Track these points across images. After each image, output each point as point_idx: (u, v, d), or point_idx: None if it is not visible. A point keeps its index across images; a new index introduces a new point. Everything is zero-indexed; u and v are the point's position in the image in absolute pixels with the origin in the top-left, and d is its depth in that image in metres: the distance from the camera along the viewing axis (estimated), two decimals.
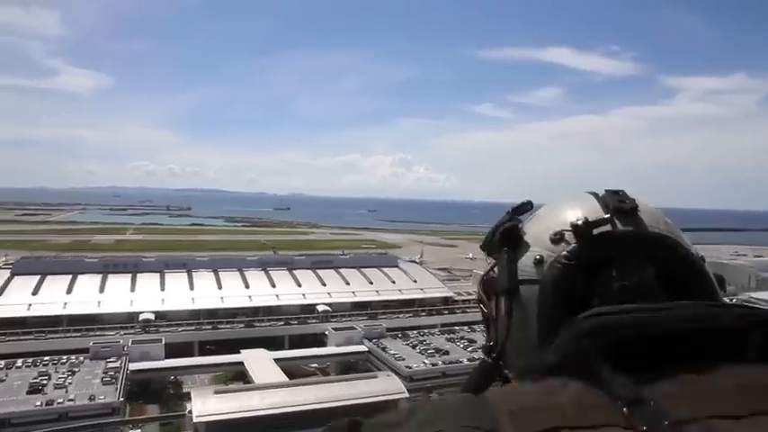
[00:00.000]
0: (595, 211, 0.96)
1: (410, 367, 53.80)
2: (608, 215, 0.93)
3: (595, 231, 0.93)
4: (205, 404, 37.37)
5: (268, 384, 42.88)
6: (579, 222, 0.93)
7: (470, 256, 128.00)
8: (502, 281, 1.00)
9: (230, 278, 74.52)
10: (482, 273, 1.11)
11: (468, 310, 76.04)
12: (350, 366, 60.15)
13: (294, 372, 57.66)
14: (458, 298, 78.79)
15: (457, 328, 68.21)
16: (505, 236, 1.03)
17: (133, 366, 52.37)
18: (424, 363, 55.16)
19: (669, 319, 0.73)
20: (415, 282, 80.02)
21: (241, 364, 54.88)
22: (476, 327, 68.40)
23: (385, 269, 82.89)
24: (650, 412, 0.61)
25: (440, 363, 55.46)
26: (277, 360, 56.05)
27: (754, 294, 75.71)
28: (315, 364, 61.37)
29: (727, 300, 0.92)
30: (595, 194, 1.00)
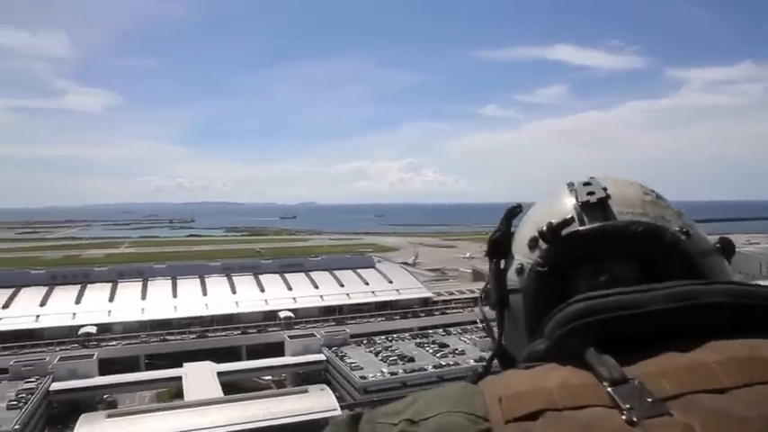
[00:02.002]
0: (565, 210, 0.94)
1: (365, 378, 47.44)
2: (571, 215, 0.92)
3: (563, 233, 0.91)
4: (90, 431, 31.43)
5: (174, 405, 37.25)
6: (544, 228, 0.92)
7: (468, 255, 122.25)
8: (492, 293, 1.02)
9: (188, 286, 68.84)
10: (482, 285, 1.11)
11: (447, 311, 69.53)
12: (307, 377, 53.98)
13: (245, 386, 51.85)
14: (437, 299, 72.24)
15: (431, 331, 61.70)
16: (494, 246, 1.04)
17: (57, 386, 46.91)
18: (382, 372, 48.77)
19: (650, 299, 0.73)
20: (391, 283, 73.60)
21: (179, 379, 48.90)
22: (451, 329, 62.08)
23: (360, 271, 76.57)
24: (633, 391, 0.62)
25: (400, 372, 49.06)
26: (221, 373, 50.04)
27: (765, 282, 69.93)
28: (269, 377, 55.30)
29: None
30: (571, 185, 0.99)
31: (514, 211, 1.07)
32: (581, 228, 0.92)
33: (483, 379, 0.77)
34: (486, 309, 1.11)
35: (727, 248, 0.95)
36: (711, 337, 0.69)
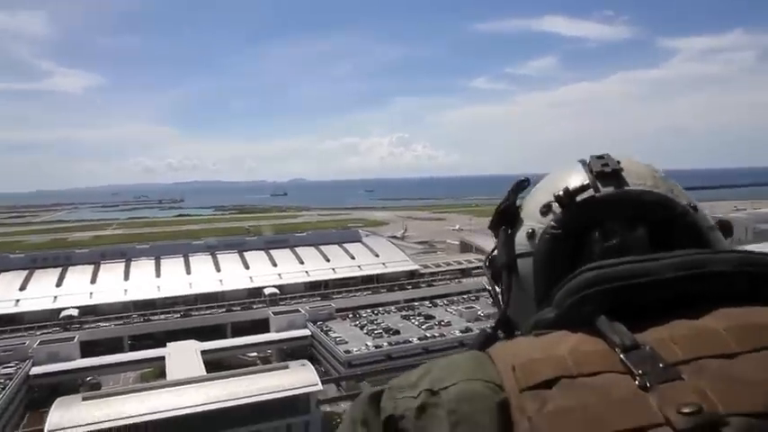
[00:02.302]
0: (581, 178, 0.97)
1: (349, 352, 47.08)
2: (588, 181, 0.95)
3: (578, 198, 0.94)
4: (64, 415, 30.90)
5: (152, 385, 36.61)
6: (561, 192, 0.95)
7: (457, 227, 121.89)
8: (500, 257, 1.04)
9: (172, 265, 67.89)
10: (488, 252, 1.14)
11: (434, 283, 69.18)
12: (292, 353, 53.62)
13: (230, 363, 51.38)
14: (424, 271, 71.81)
15: (417, 303, 61.36)
16: (501, 215, 1.07)
17: (37, 370, 46.24)
18: (366, 345, 48.43)
19: (661, 268, 0.75)
20: (378, 256, 73.03)
21: (163, 359, 48.32)
22: (437, 301, 61.79)
23: (346, 245, 75.86)
24: (646, 356, 0.63)
25: (385, 345, 48.75)
26: (205, 352, 49.51)
27: (749, 247, 68.82)
28: (254, 353, 54.90)
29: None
30: (583, 161, 1.02)
31: (522, 185, 1.09)
32: (596, 194, 0.94)
33: (491, 346, 0.77)
34: (488, 278, 1.13)
35: (726, 228, 0.99)
36: (720, 305, 0.71)
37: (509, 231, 1.05)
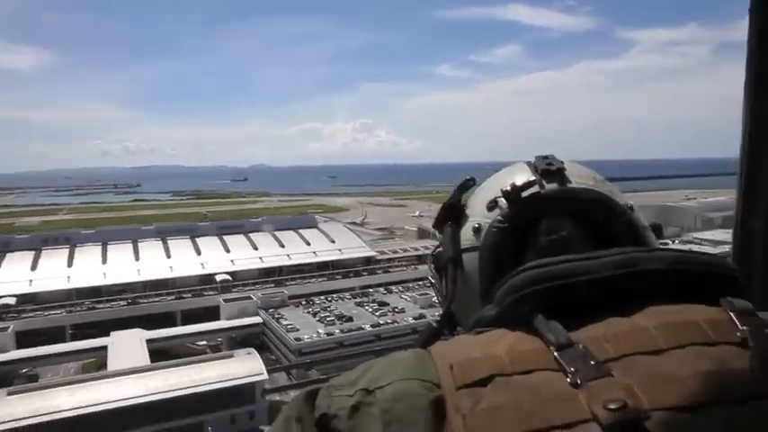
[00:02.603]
0: (526, 175, 1.00)
1: (300, 339, 46.15)
2: (534, 178, 0.98)
3: (524, 194, 0.97)
4: None
5: (87, 377, 35.03)
6: (508, 188, 0.98)
7: (417, 213, 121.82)
8: (446, 252, 1.05)
9: (119, 251, 65.43)
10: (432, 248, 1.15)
11: (390, 270, 68.72)
12: (243, 341, 52.37)
13: (178, 352, 49.76)
14: (381, 257, 71.15)
15: (372, 290, 60.76)
16: (447, 212, 1.09)
17: None
18: (318, 333, 47.57)
19: (599, 266, 0.76)
20: (334, 242, 72.04)
21: (106, 348, 46.37)
22: (393, 288, 61.32)
23: (302, 231, 74.60)
24: (578, 355, 0.65)
25: (337, 332, 47.98)
26: (151, 341, 47.79)
27: (697, 234, 73.63)
28: (204, 342, 53.38)
29: (669, 242, 0.97)
30: (528, 162, 1.05)
31: (467, 183, 1.12)
32: (542, 190, 0.97)
33: (433, 344, 0.78)
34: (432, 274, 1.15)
35: (657, 230, 1.01)
36: (652, 302, 0.73)
37: (455, 227, 1.06)
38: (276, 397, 40.06)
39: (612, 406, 0.57)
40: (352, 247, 71.56)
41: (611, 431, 0.56)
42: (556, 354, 0.66)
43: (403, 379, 0.69)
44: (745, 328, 0.67)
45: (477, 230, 1.01)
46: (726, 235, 69.17)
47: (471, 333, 0.79)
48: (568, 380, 0.62)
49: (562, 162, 1.02)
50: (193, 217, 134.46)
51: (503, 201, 0.99)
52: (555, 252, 0.83)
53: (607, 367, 0.63)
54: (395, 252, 73.70)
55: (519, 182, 0.98)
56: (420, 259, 71.53)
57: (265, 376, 35.09)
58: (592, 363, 0.64)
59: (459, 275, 1.02)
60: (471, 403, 0.63)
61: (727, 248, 58.36)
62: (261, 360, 36.46)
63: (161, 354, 47.16)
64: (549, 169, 0.99)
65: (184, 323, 55.04)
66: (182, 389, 32.61)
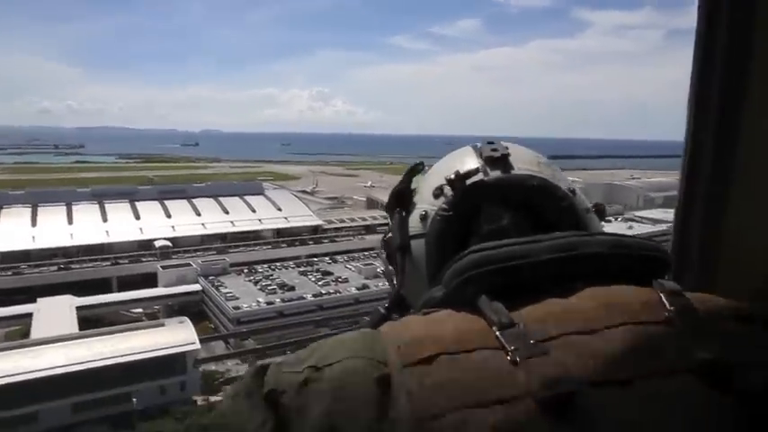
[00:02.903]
0: (472, 162, 1.02)
1: (239, 308, 45.01)
2: (477, 165, 1.00)
3: (468, 181, 0.99)
4: None
5: (4, 346, 32.90)
6: (452, 176, 0.99)
7: (369, 184, 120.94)
8: (395, 239, 1.07)
9: (51, 214, 61.98)
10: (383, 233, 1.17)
11: (336, 239, 67.87)
12: (182, 309, 50.80)
13: (112, 321, 47.76)
14: (328, 226, 70.16)
15: (317, 259, 59.89)
16: (397, 198, 1.11)
17: None
18: (258, 302, 46.50)
19: (539, 250, 0.79)
20: (281, 210, 70.47)
21: (31, 316, 43.94)
22: (338, 257, 60.62)
23: (248, 198, 72.60)
24: (519, 334, 0.68)
25: (277, 301, 47.00)
26: (82, 308, 45.66)
27: (638, 213, 75.56)
28: (140, 309, 51.45)
29: (611, 219, 1.00)
30: (475, 146, 1.07)
31: (417, 168, 1.13)
32: (485, 178, 0.99)
33: (382, 324, 0.81)
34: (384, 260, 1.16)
35: (600, 211, 1.05)
36: (589, 284, 0.76)
37: (403, 213, 1.08)
38: (213, 366, 39.11)
39: (547, 382, 0.61)
40: (298, 215, 70.20)
41: (544, 406, 0.60)
42: (498, 333, 0.68)
43: (351, 357, 0.71)
44: (672, 308, 0.71)
45: (423, 218, 1.03)
46: (665, 214, 71.86)
47: (419, 314, 0.81)
48: (508, 358, 0.65)
49: (506, 147, 1.03)
50: (139, 181, 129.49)
51: (448, 188, 1.00)
52: (496, 239, 0.84)
53: (545, 346, 0.66)
54: (342, 222, 72.79)
55: (463, 169, 1.00)
56: (368, 229, 70.97)
57: (197, 346, 33.90)
58: (531, 342, 0.67)
59: (408, 262, 1.04)
60: (417, 380, 0.65)
61: (664, 227, 59.33)
62: (193, 329, 35.19)
63: (94, 322, 45.18)
64: (492, 156, 1.00)
65: (121, 290, 52.92)
66: (107, 358, 31.12)
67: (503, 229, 0.94)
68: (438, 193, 1.02)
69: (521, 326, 0.69)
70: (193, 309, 50.88)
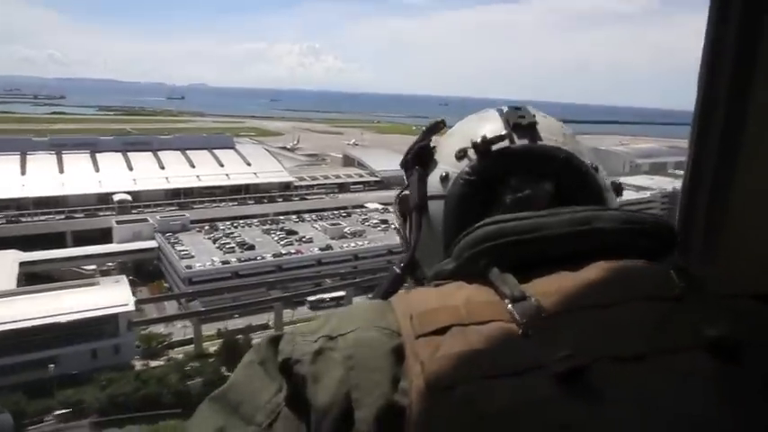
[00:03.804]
0: (497, 127, 0.99)
1: (191, 267, 42.46)
2: (505, 131, 0.97)
3: (494, 148, 0.96)
4: None
5: None
6: (479, 140, 0.96)
7: (352, 141, 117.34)
8: (413, 198, 1.03)
9: (3, 163, 58.47)
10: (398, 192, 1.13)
11: (307, 197, 65.06)
12: (137, 266, 48.27)
13: (62, 277, 45.13)
14: (300, 183, 67.23)
15: (283, 217, 57.14)
16: (417, 155, 1.07)
17: None
18: (213, 261, 43.94)
19: (553, 224, 0.79)
20: (250, 165, 67.27)
21: None
22: (306, 216, 57.88)
23: (216, 152, 69.24)
24: (530, 307, 0.68)
25: (234, 261, 44.46)
26: (25, 263, 43.01)
27: (623, 179, 72.42)
28: (93, 266, 48.76)
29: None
30: (500, 110, 1.04)
31: (438, 126, 1.10)
32: (512, 145, 0.96)
33: (396, 290, 0.81)
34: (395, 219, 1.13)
35: (617, 190, 1.03)
36: (601, 259, 0.76)
37: (422, 172, 1.04)
38: (162, 329, 36.66)
39: (561, 355, 0.61)
40: (269, 171, 67.07)
41: (557, 379, 0.60)
42: (509, 306, 0.68)
43: (365, 327, 0.72)
44: (682, 284, 0.71)
45: (444, 179, 0.99)
46: (649, 181, 69.63)
47: (430, 285, 0.81)
48: (520, 331, 0.66)
49: (534, 115, 1.00)
50: (114, 134, 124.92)
51: (472, 152, 0.97)
52: (518, 210, 0.84)
53: (557, 320, 0.67)
54: (315, 179, 69.83)
55: (490, 134, 0.96)
56: (341, 188, 68.16)
57: (130, 307, 31.40)
58: (543, 315, 0.67)
59: (425, 222, 1.00)
60: (430, 351, 0.65)
61: (648, 194, 56.29)
62: (129, 288, 32.80)
63: (42, 279, 42.71)
64: (520, 123, 0.98)
65: (76, 246, 50.15)
66: (30, 319, 28.60)
67: (526, 199, 0.91)
68: (461, 155, 0.98)
69: (533, 299, 0.69)
70: (150, 267, 48.41)
